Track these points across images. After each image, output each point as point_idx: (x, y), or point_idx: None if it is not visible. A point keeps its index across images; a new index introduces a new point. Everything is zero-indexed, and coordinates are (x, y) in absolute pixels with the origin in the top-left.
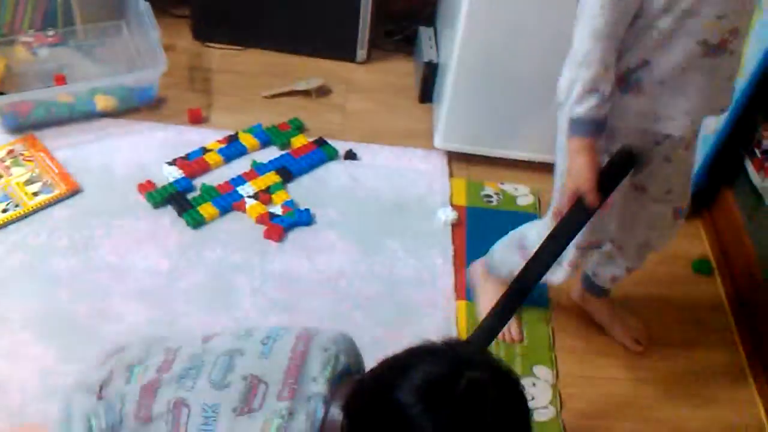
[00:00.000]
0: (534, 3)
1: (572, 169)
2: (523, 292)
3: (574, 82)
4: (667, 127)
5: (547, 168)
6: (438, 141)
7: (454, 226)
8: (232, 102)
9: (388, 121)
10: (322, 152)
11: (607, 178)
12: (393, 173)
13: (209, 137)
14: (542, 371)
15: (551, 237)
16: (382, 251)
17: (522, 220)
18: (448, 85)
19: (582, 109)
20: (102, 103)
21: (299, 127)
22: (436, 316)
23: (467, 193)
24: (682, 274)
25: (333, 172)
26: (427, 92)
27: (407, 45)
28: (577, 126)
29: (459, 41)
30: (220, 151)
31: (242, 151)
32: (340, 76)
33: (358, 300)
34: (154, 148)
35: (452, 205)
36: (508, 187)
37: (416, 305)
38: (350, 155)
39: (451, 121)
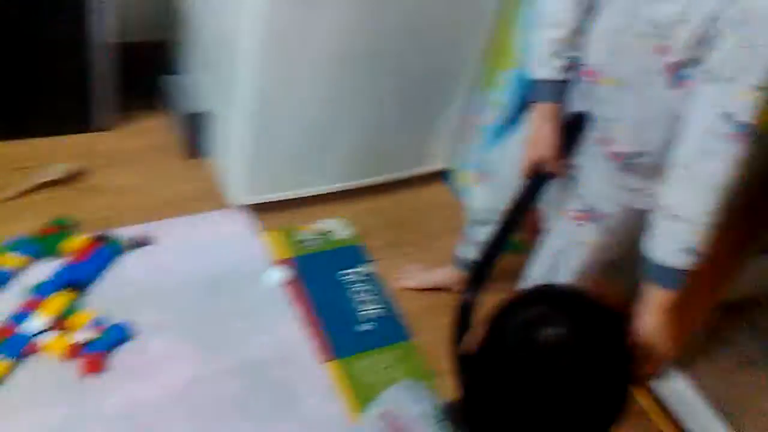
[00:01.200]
0: (312, 40)
1: (535, 136)
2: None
3: (538, 44)
4: None
5: (356, 193)
6: (235, 197)
7: (290, 282)
8: None
9: (163, 189)
10: (106, 248)
11: (567, 144)
12: (198, 247)
13: None
14: None
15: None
16: (226, 339)
17: (349, 255)
18: (233, 134)
19: (545, 71)
20: None
21: (67, 226)
22: (314, 390)
23: (287, 243)
24: None
25: (130, 266)
26: (195, 146)
27: (152, 99)
28: (540, 89)
29: (241, 87)
30: None
31: (7, 277)
32: (91, 151)
33: (223, 405)
34: None
35: (278, 261)
36: (324, 225)
37: (288, 385)
38: (140, 242)
39: (245, 172)
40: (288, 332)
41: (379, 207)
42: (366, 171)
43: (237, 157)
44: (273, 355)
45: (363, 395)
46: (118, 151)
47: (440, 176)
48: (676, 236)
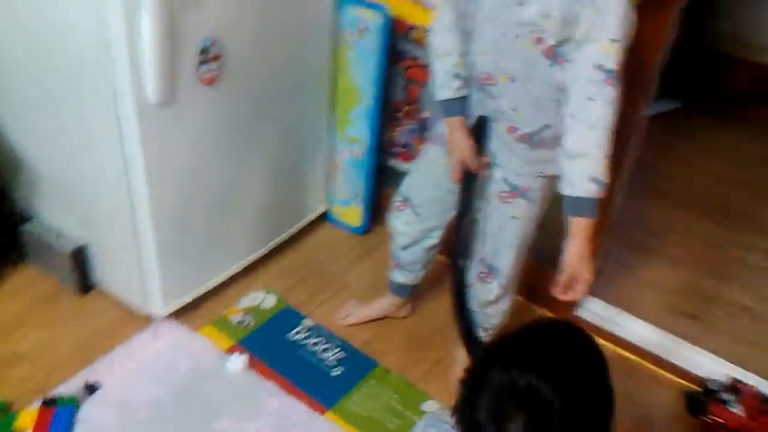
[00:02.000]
0: (179, 148)
1: (452, 144)
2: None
3: (437, 73)
4: None
5: (260, 262)
6: (159, 308)
7: (249, 364)
8: None
9: (75, 332)
10: (62, 410)
11: (477, 143)
12: (147, 370)
13: None
14: None
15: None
16: None
17: (285, 318)
18: (128, 258)
19: (449, 92)
20: None
21: (4, 409)
22: None
23: (226, 332)
24: None
25: (95, 416)
26: (84, 282)
27: (8, 254)
28: (446, 107)
29: (123, 214)
30: None
31: None
32: None
33: None
34: None
35: (228, 350)
36: (249, 301)
37: None
38: (90, 389)
39: (156, 286)
40: (278, 406)
41: (287, 265)
42: (262, 238)
43: (145, 275)
44: (276, 429)
45: (369, 428)
46: (7, 317)
47: (323, 218)
48: (580, 170)
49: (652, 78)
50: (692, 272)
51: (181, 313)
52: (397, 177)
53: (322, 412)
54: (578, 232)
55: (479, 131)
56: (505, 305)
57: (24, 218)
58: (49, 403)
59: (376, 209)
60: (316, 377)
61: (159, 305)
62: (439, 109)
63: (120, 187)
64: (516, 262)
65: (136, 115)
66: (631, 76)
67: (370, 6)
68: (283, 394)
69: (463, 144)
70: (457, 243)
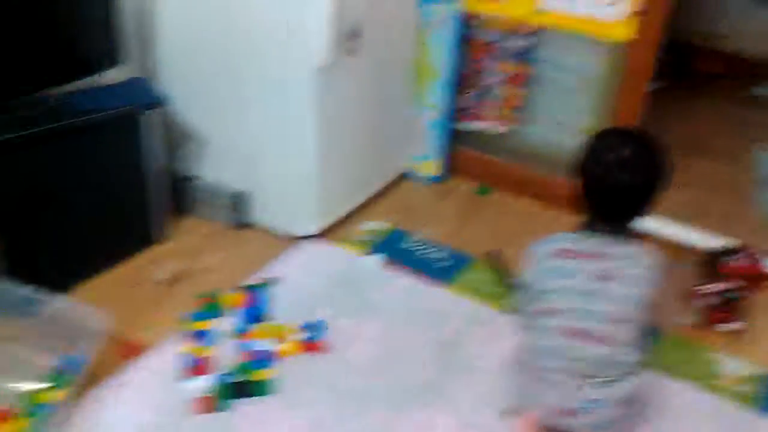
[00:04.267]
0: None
1: None
2: None
3: None
4: None
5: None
6: (307, 230)
7: (384, 262)
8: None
9: (247, 253)
10: (257, 291)
11: None
12: (313, 268)
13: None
14: None
15: None
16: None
17: (399, 236)
18: (292, 183)
19: None
20: None
21: (220, 302)
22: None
23: (357, 246)
24: None
25: (284, 292)
26: (242, 220)
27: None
28: None
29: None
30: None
31: (203, 334)
32: (167, 257)
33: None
34: None
35: (363, 254)
36: (367, 227)
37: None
38: (274, 280)
39: (313, 208)
40: (409, 285)
41: (389, 205)
42: (373, 179)
43: (302, 196)
44: (411, 299)
45: (480, 296)
46: (188, 246)
47: (407, 175)
48: None
49: (653, 66)
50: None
51: (320, 237)
52: (464, 136)
53: (443, 286)
54: None
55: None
56: None
57: (190, 178)
58: (245, 288)
59: (449, 161)
60: (433, 267)
61: (308, 228)
62: None
63: (293, 132)
64: None
65: (307, 75)
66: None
67: (445, 2)
68: (411, 277)
69: None
70: None
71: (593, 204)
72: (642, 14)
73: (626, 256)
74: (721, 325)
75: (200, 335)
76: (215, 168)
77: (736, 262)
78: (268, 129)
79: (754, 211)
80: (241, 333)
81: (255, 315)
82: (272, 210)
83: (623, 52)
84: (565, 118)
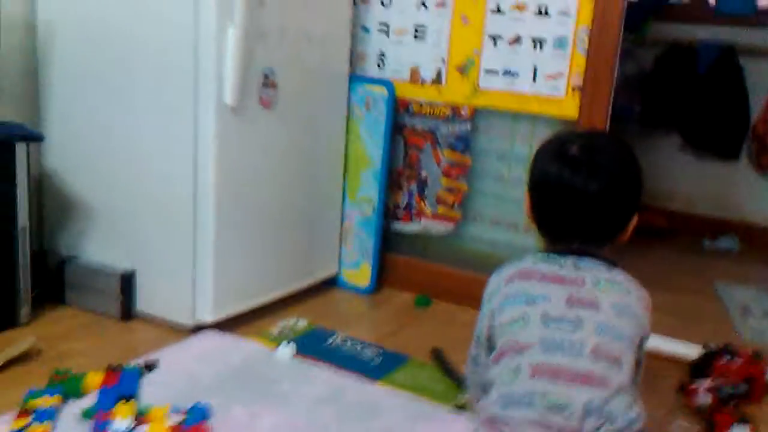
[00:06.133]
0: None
1: None
2: None
3: None
4: None
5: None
6: (207, 317)
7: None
8: None
9: (125, 341)
10: (127, 373)
11: None
12: (201, 358)
13: None
14: None
15: None
16: (285, 397)
17: (321, 333)
18: (206, 256)
19: None
20: None
21: (78, 379)
22: (392, 395)
23: (269, 340)
24: None
25: (162, 381)
26: (131, 304)
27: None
28: None
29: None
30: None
31: (51, 412)
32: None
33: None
34: None
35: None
36: (283, 323)
37: (370, 403)
38: (149, 367)
39: (214, 295)
40: (331, 376)
41: (306, 309)
42: (295, 275)
43: (212, 277)
44: (331, 392)
45: (421, 391)
46: (56, 333)
47: (334, 281)
48: None
49: None
50: None
51: (223, 327)
52: (399, 238)
53: (373, 382)
54: None
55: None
56: None
57: (70, 258)
58: (114, 369)
59: (383, 268)
60: (360, 364)
61: (204, 317)
62: None
63: (186, 199)
64: None
65: (214, 117)
66: None
67: (377, 82)
68: (333, 371)
69: None
70: None
71: (548, 220)
72: (581, 89)
73: (611, 282)
74: (731, 428)
75: (42, 414)
76: (100, 247)
77: (732, 361)
78: (157, 194)
79: (737, 338)
80: (97, 412)
81: (118, 395)
82: (163, 296)
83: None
84: (511, 214)
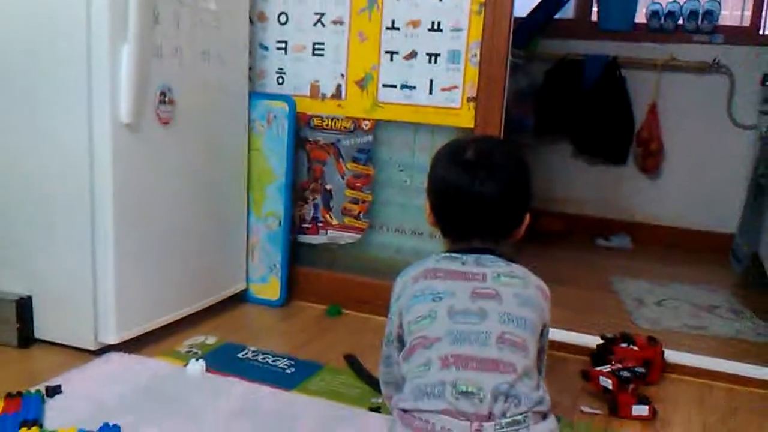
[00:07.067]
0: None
1: None
2: None
3: None
4: None
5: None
6: (110, 337)
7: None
8: None
9: (25, 368)
10: (28, 398)
11: None
12: (110, 379)
13: None
14: None
15: None
16: (203, 414)
17: (231, 348)
18: (106, 277)
19: None
20: None
21: None
22: (308, 404)
23: (178, 358)
24: None
25: (65, 405)
26: (29, 331)
27: None
28: None
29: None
30: None
31: None
32: None
33: None
34: None
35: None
36: (191, 341)
37: (283, 412)
38: (52, 391)
39: (121, 308)
40: (244, 389)
41: (215, 326)
42: (199, 294)
43: (113, 299)
44: (246, 404)
45: (335, 397)
46: None
47: (242, 296)
48: None
49: None
50: None
51: (129, 347)
52: (306, 251)
53: (288, 391)
54: None
55: None
56: None
57: None
58: (14, 396)
59: (292, 281)
60: (273, 375)
61: (110, 337)
62: None
63: (83, 220)
64: None
65: (110, 134)
66: None
67: (277, 98)
68: (245, 383)
69: None
70: None
71: (449, 222)
72: (475, 100)
73: (510, 275)
74: (632, 408)
75: None
76: None
77: (630, 347)
78: (53, 216)
79: (633, 327)
80: None
81: (18, 421)
82: (63, 320)
83: None
84: (415, 221)
